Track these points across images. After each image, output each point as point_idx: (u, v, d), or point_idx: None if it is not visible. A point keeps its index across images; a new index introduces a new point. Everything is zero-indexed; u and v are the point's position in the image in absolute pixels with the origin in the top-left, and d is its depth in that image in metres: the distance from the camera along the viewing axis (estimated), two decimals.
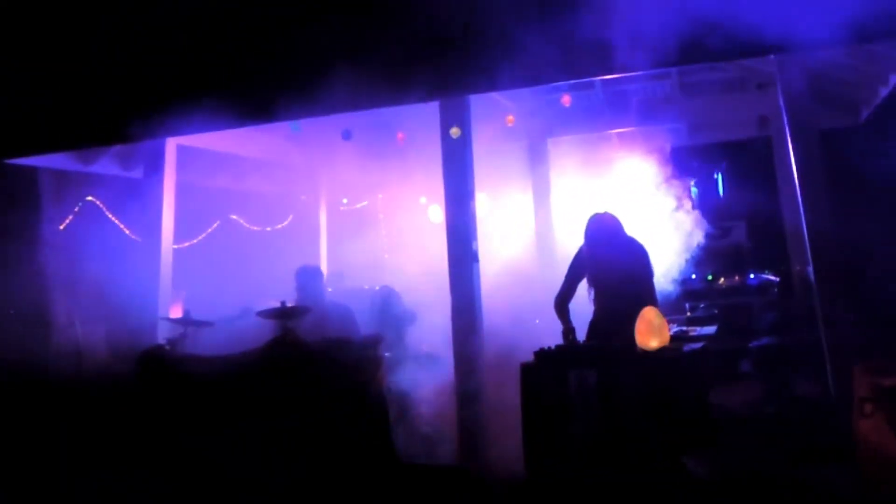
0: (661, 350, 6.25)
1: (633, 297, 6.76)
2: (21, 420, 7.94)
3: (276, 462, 6.77)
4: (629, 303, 6.65)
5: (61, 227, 11.39)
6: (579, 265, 7.36)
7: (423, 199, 12.54)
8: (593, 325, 7.22)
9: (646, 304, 6.53)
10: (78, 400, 8.06)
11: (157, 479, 6.95)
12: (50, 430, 7.87)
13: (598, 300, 7.24)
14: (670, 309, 8.92)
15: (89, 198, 11.61)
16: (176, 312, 9.71)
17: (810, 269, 8.13)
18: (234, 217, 13.44)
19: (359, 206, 14.55)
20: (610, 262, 7.13)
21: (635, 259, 7.22)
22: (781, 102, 8.53)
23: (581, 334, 7.02)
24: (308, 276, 8.64)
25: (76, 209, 11.56)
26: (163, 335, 8.85)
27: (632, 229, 7.39)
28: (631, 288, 6.98)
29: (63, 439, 7.66)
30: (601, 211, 7.38)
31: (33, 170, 10.78)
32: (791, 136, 8.33)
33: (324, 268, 12.54)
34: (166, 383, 7.42)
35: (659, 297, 7.19)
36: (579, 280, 7.35)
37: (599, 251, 7.22)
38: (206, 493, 6.73)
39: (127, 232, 11.64)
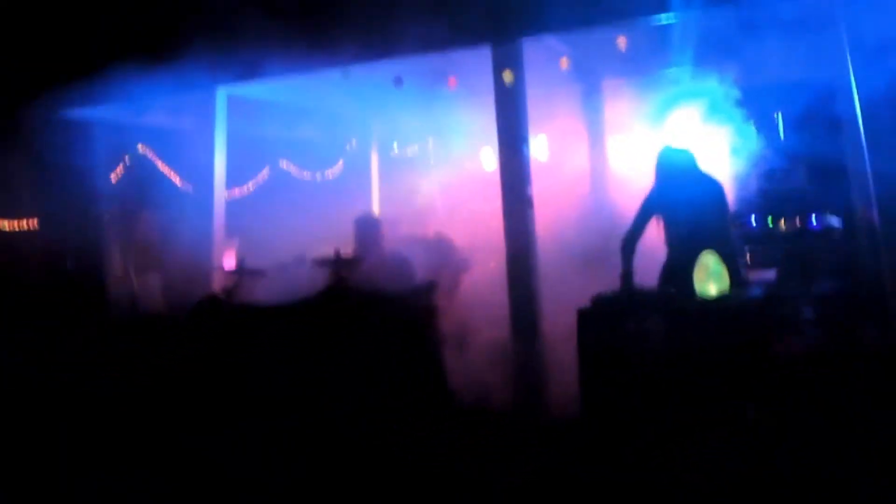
0: (721, 297, 6.22)
1: (707, 239, 6.56)
2: (78, 368, 8.15)
3: (332, 410, 6.88)
4: (702, 245, 6.44)
5: (113, 178, 11.54)
6: (650, 204, 7.14)
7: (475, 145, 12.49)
8: (666, 269, 7.08)
9: (721, 246, 6.43)
10: (135, 349, 8.24)
11: (219, 427, 7.12)
12: (108, 378, 8.07)
13: (671, 242, 7.09)
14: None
15: (140, 148, 11.73)
16: (229, 261, 9.82)
17: (875, 212, 8.01)
18: (284, 164, 13.51)
19: (409, 152, 14.52)
20: (683, 199, 6.93)
21: (711, 197, 7.06)
22: (845, 40, 8.37)
23: (650, 277, 6.95)
24: (366, 226, 8.68)
25: (127, 160, 11.70)
26: (217, 284, 8.97)
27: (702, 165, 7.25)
28: (705, 228, 6.77)
29: (121, 388, 7.86)
30: (673, 145, 7.24)
31: (86, 122, 10.90)
32: (854, 74, 8.18)
33: (376, 213, 12.62)
34: (221, 332, 7.54)
35: None
36: (649, 219, 7.11)
37: (671, 186, 7.06)
38: (260, 427, 6.87)
39: (178, 182, 11.76)
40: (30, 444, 7.18)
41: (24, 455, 6.93)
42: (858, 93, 8.09)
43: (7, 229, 10.96)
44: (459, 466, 6.22)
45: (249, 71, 9.09)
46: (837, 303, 7.98)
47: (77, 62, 9.57)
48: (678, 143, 7.27)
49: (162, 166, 11.71)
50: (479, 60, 8.64)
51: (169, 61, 8.85)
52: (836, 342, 7.29)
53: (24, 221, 11.07)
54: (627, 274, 6.84)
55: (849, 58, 8.25)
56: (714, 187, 7.13)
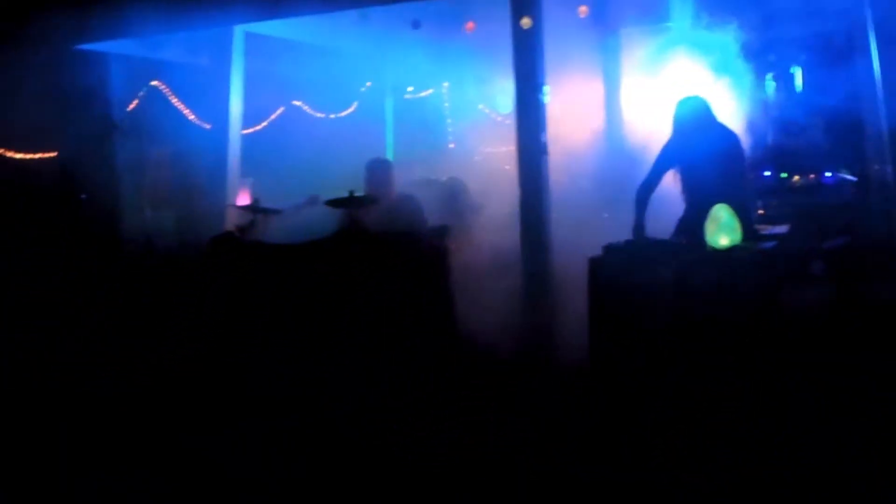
0: (732, 249, 6.26)
1: (722, 190, 6.57)
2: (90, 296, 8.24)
3: (342, 352, 6.97)
4: (717, 196, 6.45)
5: (129, 112, 11.56)
6: (667, 154, 7.18)
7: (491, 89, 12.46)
8: (682, 220, 7.13)
9: (734, 198, 6.46)
10: (149, 284, 8.32)
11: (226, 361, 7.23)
12: (121, 313, 8.16)
13: (687, 193, 7.13)
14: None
15: (155, 83, 11.72)
16: (244, 199, 9.87)
17: (889, 167, 8.01)
18: (298, 103, 13.50)
19: (424, 94, 14.49)
20: (700, 150, 6.95)
21: (727, 148, 7.05)
22: None
23: (667, 230, 7.00)
24: (378, 169, 8.71)
25: (143, 94, 11.70)
26: (231, 222, 9.02)
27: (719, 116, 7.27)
28: (720, 180, 6.77)
29: (133, 323, 7.96)
30: (690, 94, 7.25)
31: (102, 55, 10.90)
32: (874, 28, 8.14)
33: (390, 155, 12.62)
34: (235, 270, 7.61)
35: None
36: (666, 170, 7.18)
37: (689, 137, 7.08)
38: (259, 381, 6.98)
39: (194, 118, 11.77)
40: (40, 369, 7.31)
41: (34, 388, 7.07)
42: (877, 47, 8.07)
43: (22, 158, 11.00)
44: (467, 411, 6.32)
45: (268, 8, 9.05)
46: (848, 257, 8.01)
47: None
48: (695, 94, 7.26)
49: (177, 102, 11.72)
50: (497, 5, 8.61)
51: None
52: (845, 296, 7.34)
53: (39, 153, 11.10)
54: (640, 224, 6.90)
55: (868, 11, 8.22)
56: (730, 138, 7.14)
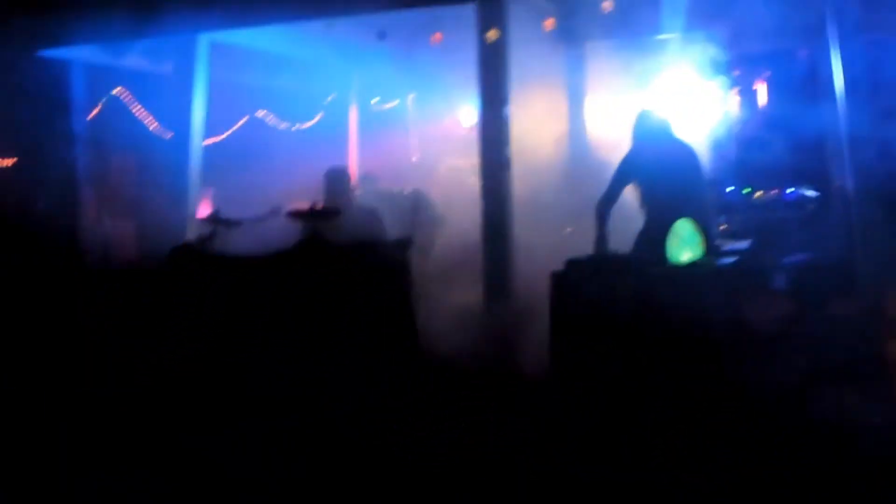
0: (694, 264, 6.30)
1: (682, 205, 6.65)
2: (46, 311, 8.14)
3: (300, 360, 6.93)
4: (677, 211, 6.53)
5: (90, 120, 11.46)
6: (625, 168, 7.21)
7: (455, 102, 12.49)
8: (642, 235, 7.15)
9: (695, 213, 6.51)
10: (107, 294, 8.23)
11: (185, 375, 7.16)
12: (77, 320, 8.07)
13: (646, 207, 7.17)
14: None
15: (117, 91, 11.64)
16: (205, 210, 9.82)
17: (849, 183, 8.10)
18: (262, 113, 13.46)
19: (389, 105, 14.49)
20: (658, 163, 7.03)
21: (685, 162, 7.17)
22: (828, 10, 8.41)
23: (626, 244, 7.03)
24: (335, 178, 8.69)
25: (103, 102, 11.62)
26: (192, 233, 8.97)
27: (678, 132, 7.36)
28: (680, 194, 6.84)
29: (91, 331, 7.87)
30: (650, 109, 7.33)
31: (64, 62, 10.81)
32: (838, 44, 8.22)
33: (354, 168, 12.59)
34: (196, 281, 7.56)
35: None
36: (625, 184, 7.20)
37: (647, 151, 7.15)
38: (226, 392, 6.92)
39: (156, 127, 11.70)
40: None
41: None
42: (839, 63, 8.15)
43: None
44: (428, 422, 6.30)
45: (233, 17, 9.01)
46: (809, 273, 8.07)
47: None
48: (655, 109, 7.35)
49: (140, 111, 11.65)
50: (463, 17, 8.63)
51: (151, 4, 8.79)
52: (807, 311, 7.40)
53: None
54: (602, 238, 6.93)
55: (831, 26, 8.30)
56: (688, 152, 7.26)
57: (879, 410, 5.75)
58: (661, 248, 6.38)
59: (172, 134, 10.53)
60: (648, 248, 6.77)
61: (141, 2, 8.73)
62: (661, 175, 6.99)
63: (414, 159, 13.52)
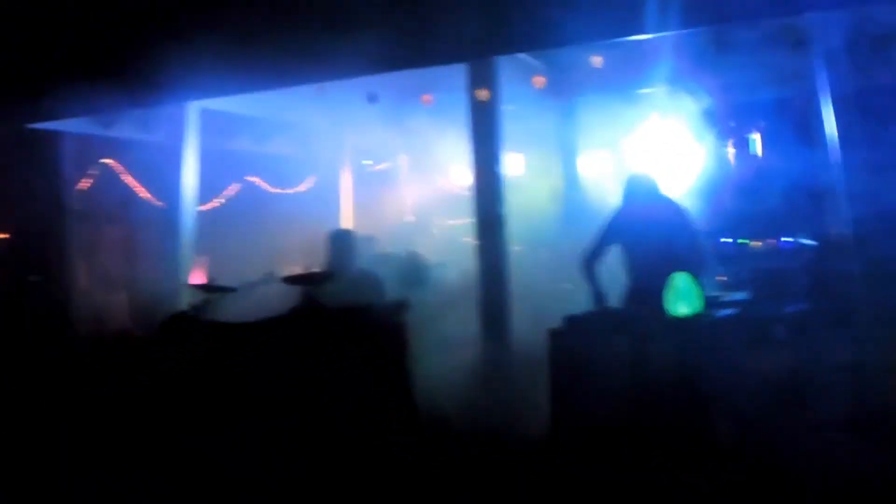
0: (693, 316, 6.32)
1: (674, 261, 6.73)
2: (37, 386, 8.12)
3: (298, 428, 6.91)
4: (668, 265, 6.62)
5: (80, 191, 11.53)
6: (614, 227, 7.41)
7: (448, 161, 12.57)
8: (631, 291, 7.28)
9: (690, 266, 6.58)
10: (98, 365, 8.22)
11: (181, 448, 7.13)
12: (68, 396, 8.05)
13: (634, 264, 7.30)
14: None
15: (108, 161, 11.73)
16: (198, 278, 9.83)
17: (848, 232, 8.12)
18: (255, 179, 13.54)
19: (381, 167, 14.59)
20: (647, 224, 7.19)
21: (675, 219, 7.30)
22: (821, 59, 8.49)
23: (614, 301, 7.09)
24: (341, 241, 8.69)
25: (95, 173, 11.70)
26: (185, 301, 8.97)
27: (668, 191, 7.46)
28: (670, 250, 6.97)
29: (81, 406, 7.84)
30: (639, 171, 7.43)
31: (54, 133, 10.90)
32: (831, 93, 8.29)
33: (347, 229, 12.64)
34: (190, 351, 7.55)
35: None
36: (611, 242, 7.38)
37: (636, 210, 7.32)
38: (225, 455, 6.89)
39: (147, 196, 11.77)
40: None
41: None
42: (833, 111, 8.22)
43: None
44: (427, 485, 6.27)
45: (222, 85, 9.10)
46: (809, 322, 8.08)
47: (46, 72, 9.57)
48: (644, 171, 7.49)
49: (130, 179, 11.72)
50: (453, 77, 8.72)
51: (140, 73, 8.88)
52: (808, 361, 7.40)
53: None
54: (598, 294, 6.98)
55: (824, 74, 8.38)
56: (677, 211, 7.42)
57: (884, 461, 5.73)
58: (655, 302, 6.41)
59: (164, 202, 10.57)
60: (641, 303, 6.83)
61: (129, 73, 8.81)
62: (648, 233, 7.17)
63: (408, 220, 13.56)
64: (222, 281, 8.55)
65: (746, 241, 10.99)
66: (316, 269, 7.95)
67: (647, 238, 7.15)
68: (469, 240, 8.54)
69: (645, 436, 6.04)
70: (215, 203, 12.54)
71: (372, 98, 10.72)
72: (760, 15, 8.00)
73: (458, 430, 7.26)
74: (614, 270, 7.46)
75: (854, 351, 7.57)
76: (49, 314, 10.16)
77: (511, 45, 8.02)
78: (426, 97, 11.12)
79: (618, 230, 7.40)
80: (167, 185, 10.26)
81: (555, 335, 6.55)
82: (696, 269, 6.70)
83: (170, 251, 9.90)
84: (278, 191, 13.74)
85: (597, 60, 10.14)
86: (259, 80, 8.82)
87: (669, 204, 7.43)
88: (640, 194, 7.36)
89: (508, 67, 8.83)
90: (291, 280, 7.74)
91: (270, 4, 8.12)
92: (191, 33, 8.30)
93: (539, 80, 10.26)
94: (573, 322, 6.61)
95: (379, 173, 14.41)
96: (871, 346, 7.48)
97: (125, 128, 11.16)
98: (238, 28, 8.18)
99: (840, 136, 8.14)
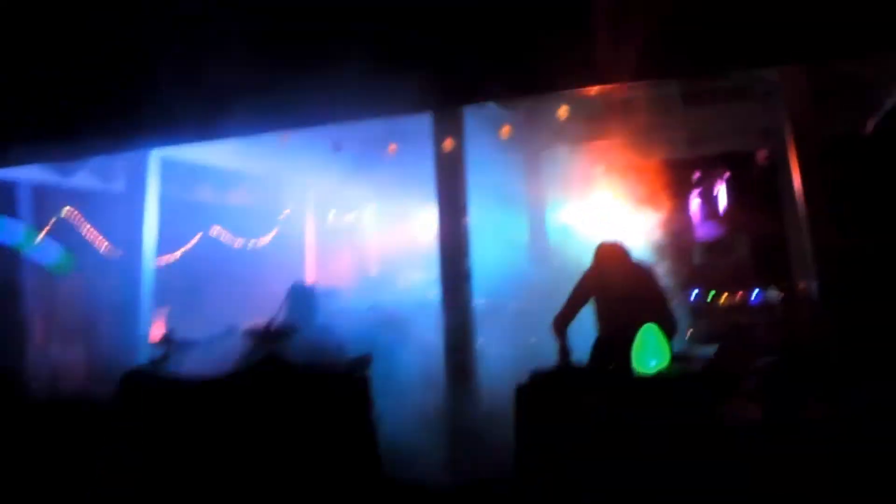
0: (661, 372, 6.33)
1: (641, 320, 6.79)
2: None
3: (261, 487, 6.83)
4: (636, 325, 6.73)
5: (37, 242, 11.42)
6: (586, 290, 7.63)
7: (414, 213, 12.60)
8: (597, 346, 7.38)
9: (658, 321, 6.65)
10: (55, 424, 8.09)
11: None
12: (25, 454, 7.91)
13: (604, 323, 7.51)
14: None
15: (66, 212, 11.64)
16: (158, 331, 9.75)
17: (815, 284, 8.19)
18: (217, 231, 13.48)
19: (347, 219, 14.59)
20: (618, 287, 7.41)
21: (644, 284, 7.50)
22: (784, 112, 8.61)
23: (582, 354, 7.11)
24: (301, 296, 8.67)
25: (53, 223, 11.60)
26: (145, 355, 8.87)
27: (635, 248, 7.61)
28: (639, 312, 7.04)
29: (39, 465, 7.71)
30: (609, 239, 7.59)
31: (10, 183, 10.82)
32: (794, 146, 8.40)
33: (310, 282, 12.56)
34: (149, 406, 7.45)
35: None
36: (583, 304, 7.60)
37: (608, 278, 7.52)
38: None
39: (106, 247, 11.68)
40: None
41: None
42: (798, 162, 8.32)
43: None
44: None
45: (184, 133, 9.05)
46: (780, 375, 8.11)
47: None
48: (612, 238, 7.81)
49: (89, 231, 11.63)
50: (419, 127, 8.75)
51: (99, 122, 8.82)
52: (779, 416, 7.40)
53: None
54: (565, 350, 7.01)
55: (788, 128, 8.49)
56: (646, 274, 7.65)
57: None
58: (622, 357, 6.44)
59: (123, 253, 10.48)
60: (609, 358, 6.88)
61: (88, 121, 8.76)
62: (618, 296, 7.39)
63: (373, 272, 13.55)
64: (183, 334, 8.46)
65: (714, 294, 11.07)
66: (277, 323, 7.89)
67: (617, 300, 7.39)
68: (434, 293, 8.52)
69: (611, 491, 6.02)
70: (176, 254, 12.45)
71: (336, 147, 10.74)
72: (727, 67, 8.10)
73: (422, 485, 7.22)
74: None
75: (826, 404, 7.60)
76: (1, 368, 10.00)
77: (476, 94, 8.04)
78: (391, 147, 11.15)
79: (589, 293, 7.64)
80: (127, 235, 10.18)
81: (521, 390, 6.51)
82: (665, 328, 6.74)
83: (129, 304, 9.80)
84: (241, 242, 13.67)
85: (562, 112, 10.21)
86: (222, 129, 8.78)
87: (638, 268, 7.66)
88: (610, 261, 7.59)
89: (475, 117, 8.88)
90: (253, 335, 7.68)
91: (227, 51, 8.09)
92: (152, 78, 8.27)
93: (506, 131, 10.32)
94: (539, 377, 6.58)
95: (344, 225, 14.39)
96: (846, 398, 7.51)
97: (84, 177, 11.09)
98: (202, 76, 8.16)
99: (804, 188, 8.23)
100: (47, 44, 8.81)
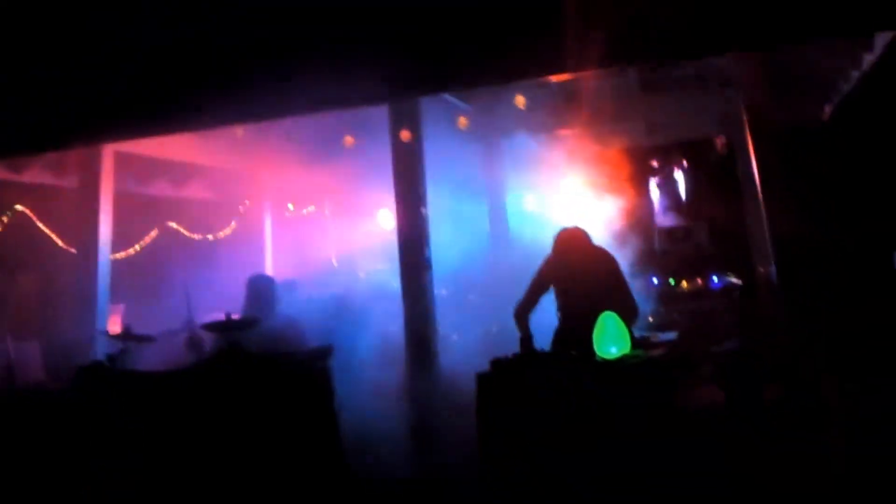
0: (622, 357, 6.37)
1: (603, 304, 6.81)
2: None
3: (223, 479, 6.82)
4: (593, 305, 6.75)
5: None
6: (546, 277, 7.56)
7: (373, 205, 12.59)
8: (559, 333, 7.38)
9: (619, 309, 6.69)
10: (10, 420, 8.02)
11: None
12: None
13: (565, 310, 7.45)
14: None
15: (19, 207, 11.53)
16: (115, 326, 9.69)
17: (773, 269, 8.28)
18: (173, 225, 13.41)
19: (305, 211, 14.55)
20: (579, 273, 7.36)
21: (604, 268, 7.43)
22: (741, 100, 8.69)
23: (544, 343, 7.12)
24: (261, 286, 8.65)
25: (5, 219, 11.49)
26: (102, 350, 8.81)
27: (596, 236, 7.60)
28: (600, 298, 7.05)
29: None
30: (569, 225, 7.61)
31: None
32: (752, 134, 8.48)
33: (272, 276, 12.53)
34: (106, 401, 7.40)
35: None
36: (544, 292, 7.54)
37: (568, 264, 7.46)
38: None
39: (60, 243, 11.59)
40: None
41: None
42: (755, 149, 8.40)
43: None
44: None
45: (137, 126, 8.96)
46: (738, 361, 8.19)
47: None
48: (571, 223, 7.74)
49: (43, 226, 11.53)
50: (376, 118, 8.75)
51: (51, 112, 8.72)
52: (737, 401, 7.49)
53: None
54: (526, 336, 7.00)
55: (745, 116, 8.57)
56: (606, 260, 7.54)
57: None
58: (583, 344, 6.47)
59: (78, 249, 10.40)
60: (570, 344, 6.90)
61: (42, 114, 8.65)
62: (579, 283, 7.33)
63: (333, 264, 13.53)
64: (140, 329, 8.41)
65: (674, 280, 11.15)
66: (236, 316, 7.87)
67: (578, 286, 7.33)
68: (395, 283, 8.53)
69: (568, 476, 6.06)
70: (133, 250, 12.37)
71: (292, 140, 10.72)
72: (684, 55, 8.13)
73: (383, 474, 7.24)
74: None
75: (782, 389, 7.71)
76: None
77: (432, 84, 8.03)
78: (347, 139, 11.12)
79: (549, 280, 7.56)
80: (81, 230, 10.10)
81: (482, 378, 6.53)
82: (625, 315, 6.78)
83: (85, 299, 9.73)
84: (199, 236, 13.60)
85: (520, 100, 10.23)
86: (176, 122, 8.70)
87: (598, 254, 7.59)
88: (570, 247, 7.53)
89: (431, 107, 8.89)
90: (212, 327, 7.65)
91: (182, 43, 8.02)
92: (101, 76, 8.18)
93: (463, 121, 10.34)
94: (499, 364, 6.60)
95: (302, 218, 14.36)
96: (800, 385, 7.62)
97: (37, 172, 10.99)
98: (155, 66, 8.09)
99: (761, 176, 8.31)
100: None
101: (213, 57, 7.91)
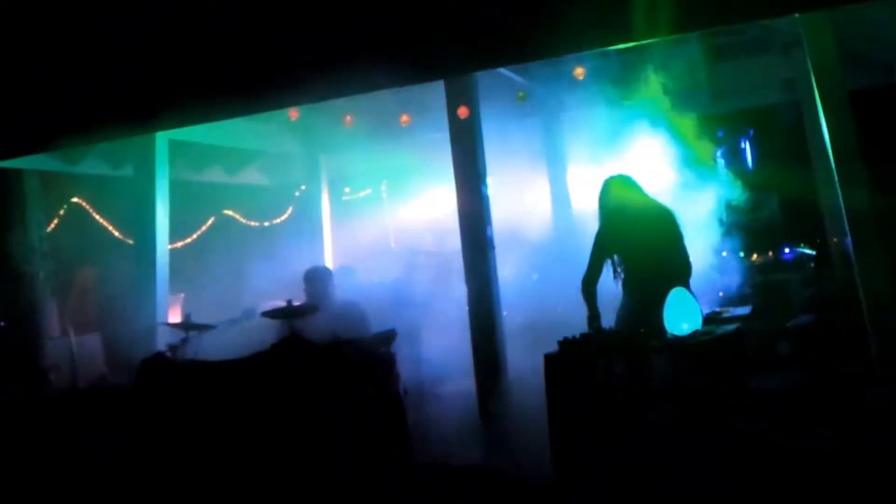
0: (693, 334, 6.28)
1: (665, 272, 6.70)
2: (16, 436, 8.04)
3: (287, 466, 6.87)
4: (660, 278, 6.57)
5: (48, 231, 11.48)
6: (601, 241, 7.18)
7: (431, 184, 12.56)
8: (623, 309, 7.16)
9: (678, 277, 6.56)
10: (75, 413, 8.15)
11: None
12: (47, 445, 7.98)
13: (626, 280, 7.19)
14: (703, 288, 8.78)
15: (75, 199, 11.69)
16: (175, 316, 9.79)
17: (848, 240, 8.13)
18: (230, 212, 13.52)
19: (362, 194, 14.58)
20: (633, 229, 7.04)
21: (662, 223, 7.12)
22: (809, 64, 8.52)
23: (609, 320, 7.02)
24: (317, 279, 8.70)
25: (62, 212, 11.65)
26: (162, 341, 8.92)
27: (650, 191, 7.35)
28: (661, 260, 6.87)
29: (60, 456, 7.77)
30: (616, 173, 7.34)
31: (17, 171, 10.84)
32: (821, 99, 8.31)
33: (329, 261, 12.58)
34: (169, 392, 7.49)
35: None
36: (604, 259, 7.19)
37: (619, 219, 7.15)
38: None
39: (117, 234, 11.73)
40: None
41: None
42: (825, 117, 8.24)
43: None
44: None
45: (190, 113, 9.00)
46: (815, 335, 8.08)
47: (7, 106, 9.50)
48: (621, 172, 7.39)
49: (100, 218, 11.68)
50: (433, 96, 8.72)
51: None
52: (812, 376, 7.41)
53: None
54: (594, 315, 6.89)
55: (813, 81, 8.40)
56: (666, 215, 7.19)
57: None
58: (653, 319, 6.35)
59: (136, 240, 10.51)
60: (638, 320, 6.75)
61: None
62: (639, 243, 7.01)
63: (392, 247, 13.54)
64: (200, 318, 8.50)
65: (745, 254, 11.00)
66: (297, 303, 7.92)
67: (640, 247, 7.00)
68: (456, 264, 8.51)
69: (646, 461, 6.01)
70: (190, 238, 12.50)
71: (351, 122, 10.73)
72: (752, 16, 7.95)
73: (451, 462, 7.24)
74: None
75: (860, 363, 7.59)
76: (20, 361, 10.09)
77: (488, 60, 7.96)
78: (404, 118, 11.10)
79: (606, 244, 7.20)
80: (139, 221, 10.21)
81: (550, 359, 6.47)
82: (683, 273, 6.64)
83: (144, 290, 9.84)
84: (256, 223, 13.71)
85: (579, 72, 10.14)
86: (227, 107, 8.72)
87: (656, 206, 7.25)
88: (619, 198, 7.19)
89: (489, 83, 8.83)
90: (272, 314, 7.71)
91: (236, 27, 8.04)
92: (153, 65, 8.24)
93: (521, 95, 10.27)
94: (568, 345, 6.53)
95: (360, 200, 14.39)
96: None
97: (92, 163, 11.11)
98: (205, 54, 8.13)
99: (832, 141, 8.15)
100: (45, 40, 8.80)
101: (213, 57, 7.93)
